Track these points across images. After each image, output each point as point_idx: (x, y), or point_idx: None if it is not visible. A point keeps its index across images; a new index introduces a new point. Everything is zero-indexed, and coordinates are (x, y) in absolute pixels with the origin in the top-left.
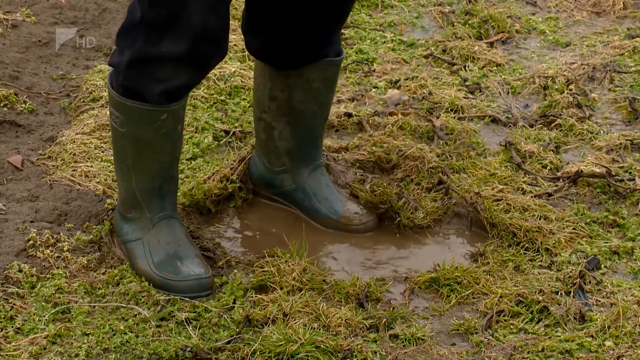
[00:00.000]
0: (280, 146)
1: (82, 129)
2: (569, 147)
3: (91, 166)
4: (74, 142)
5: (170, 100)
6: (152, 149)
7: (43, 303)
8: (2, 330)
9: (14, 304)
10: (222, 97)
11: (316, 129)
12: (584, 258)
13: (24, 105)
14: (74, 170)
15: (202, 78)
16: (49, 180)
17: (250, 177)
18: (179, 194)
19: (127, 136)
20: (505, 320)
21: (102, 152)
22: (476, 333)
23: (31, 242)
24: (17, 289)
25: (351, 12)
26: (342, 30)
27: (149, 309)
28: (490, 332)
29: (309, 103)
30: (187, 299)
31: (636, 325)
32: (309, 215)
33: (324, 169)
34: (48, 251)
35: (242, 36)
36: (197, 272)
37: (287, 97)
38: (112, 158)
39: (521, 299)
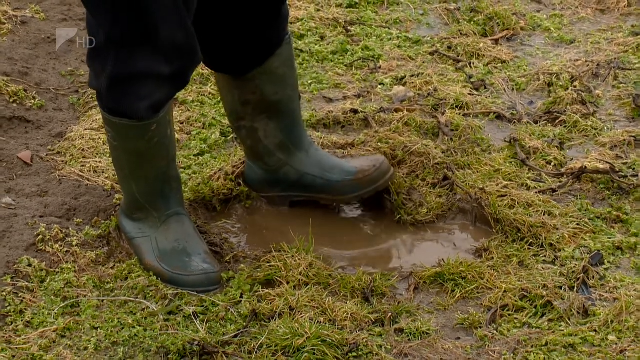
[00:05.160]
0: (270, 144)
1: (91, 124)
2: (573, 143)
3: (100, 162)
4: (83, 137)
5: (156, 111)
6: (146, 157)
7: (52, 297)
8: (12, 323)
9: (23, 298)
10: None
11: (297, 111)
12: (588, 253)
13: (33, 101)
14: (82, 166)
15: (183, 87)
16: (58, 175)
17: (251, 185)
18: (186, 189)
19: (121, 149)
20: (509, 315)
21: None
22: (480, 327)
23: (40, 236)
24: (26, 283)
25: (357, 9)
26: (348, 27)
27: (157, 303)
28: (495, 326)
29: (283, 91)
30: (195, 293)
31: (639, 319)
32: (325, 192)
33: (315, 145)
34: (57, 246)
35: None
36: (206, 267)
37: (260, 96)
38: None
39: (525, 293)
